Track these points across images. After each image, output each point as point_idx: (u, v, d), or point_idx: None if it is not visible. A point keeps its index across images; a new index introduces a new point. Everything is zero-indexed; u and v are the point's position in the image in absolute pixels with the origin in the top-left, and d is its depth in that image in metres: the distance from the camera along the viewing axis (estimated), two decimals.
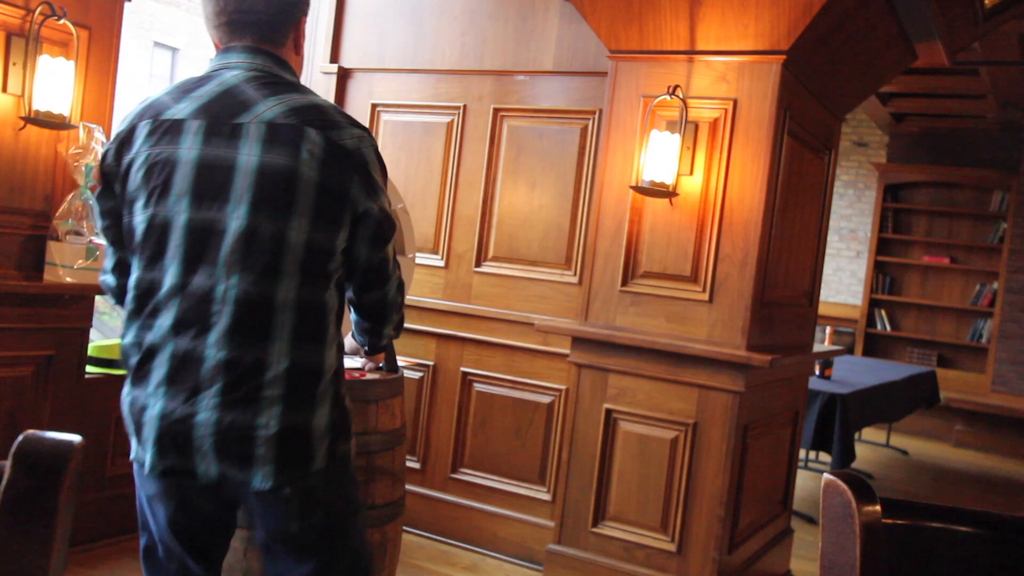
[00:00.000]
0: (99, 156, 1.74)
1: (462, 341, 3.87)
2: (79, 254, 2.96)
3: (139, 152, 1.66)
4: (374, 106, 4.12)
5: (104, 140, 3.02)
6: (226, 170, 1.61)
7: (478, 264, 3.86)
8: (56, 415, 3.05)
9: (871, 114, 8.68)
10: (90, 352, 3.24)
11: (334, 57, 4.23)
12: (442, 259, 3.94)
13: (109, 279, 1.83)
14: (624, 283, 3.32)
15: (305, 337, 1.65)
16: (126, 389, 1.72)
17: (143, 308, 1.66)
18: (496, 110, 3.85)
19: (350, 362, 2.90)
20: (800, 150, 3.44)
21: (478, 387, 3.85)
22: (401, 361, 3.05)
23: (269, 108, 1.64)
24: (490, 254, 3.85)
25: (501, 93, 3.85)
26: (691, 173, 3.22)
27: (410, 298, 3.62)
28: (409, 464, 3.92)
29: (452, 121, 3.94)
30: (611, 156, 3.37)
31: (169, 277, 1.63)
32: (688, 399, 3.20)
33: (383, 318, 1.92)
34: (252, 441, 1.61)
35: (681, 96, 3.21)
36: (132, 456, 1.75)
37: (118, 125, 1.75)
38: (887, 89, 7.55)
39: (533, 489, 3.73)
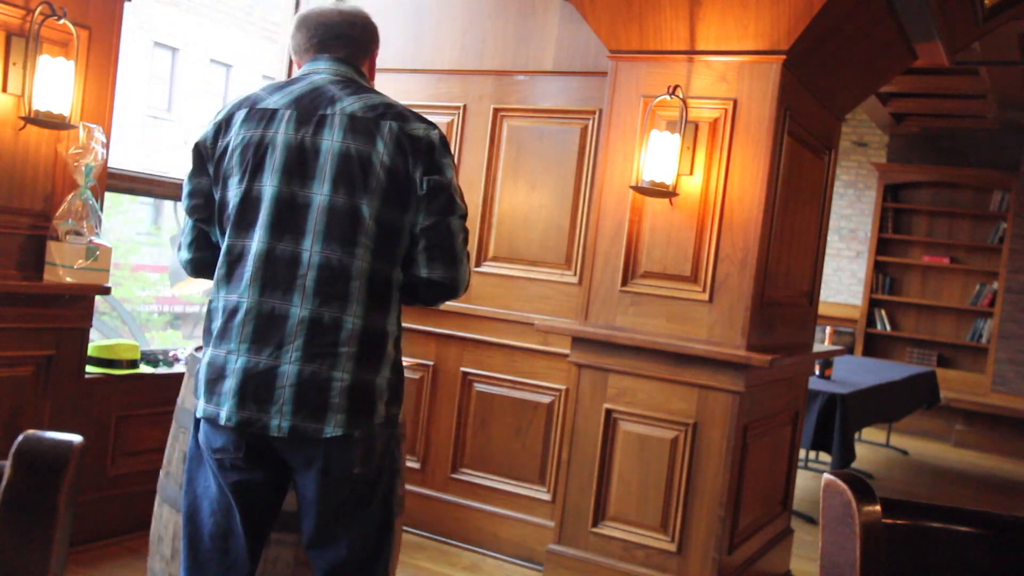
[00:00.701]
0: (200, 138, 1.98)
1: (462, 341, 3.87)
2: (79, 254, 2.96)
3: (235, 135, 1.89)
4: None
5: (104, 140, 3.02)
6: (313, 152, 1.85)
7: (478, 264, 3.85)
8: (56, 415, 3.05)
9: (871, 114, 8.68)
10: (90, 352, 3.24)
11: None
12: None
13: (185, 253, 2.02)
14: (624, 283, 3.32)
15: (374, 303, 1.85)
16: (206, 350, 1.89)
17: (232, 272, 1.86)
18: (496, 110, 3.85)
19: None
20: (800, 150, 3.44)
21: (478, 387, 3.85)
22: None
23: (350, 103, 1.88)
24: (490, 254, 3.85)
25: (501, 93, 3.85)
26: (691, 173, 3.22)
27: None
28: (409, 464, 3.92)
29: (452, 121, 3.94)
30: (611, 156, 3.37)
31: (256, 243, 1.83)
32: (688, 399, 3.20)
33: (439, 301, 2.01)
34: (329, 391, 1.80)
35: (681, 96, 3.21)
36: (200, 414, 1.87)
37: (216, 114, 1.96)
38: (887, 89, 7.55)
39: (533, 489, 3.73)
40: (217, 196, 1.92)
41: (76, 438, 1.37)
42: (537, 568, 3.60)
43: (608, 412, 3.32)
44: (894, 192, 9.19)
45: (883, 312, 9.23)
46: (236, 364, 1.81)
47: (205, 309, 1.91)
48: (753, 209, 3.14)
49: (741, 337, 3.12)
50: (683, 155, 3.21)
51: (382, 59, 4.43)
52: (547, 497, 3.69)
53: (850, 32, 3.36)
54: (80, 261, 2.97)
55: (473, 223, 3.87)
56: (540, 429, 3.72)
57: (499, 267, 3.82)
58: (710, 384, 3.15)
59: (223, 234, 1.91)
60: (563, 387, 3.66)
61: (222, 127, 1.92)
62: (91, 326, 3.19)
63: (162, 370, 3.52)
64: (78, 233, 2.97)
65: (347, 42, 2.01)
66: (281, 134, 1.86)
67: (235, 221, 1.87)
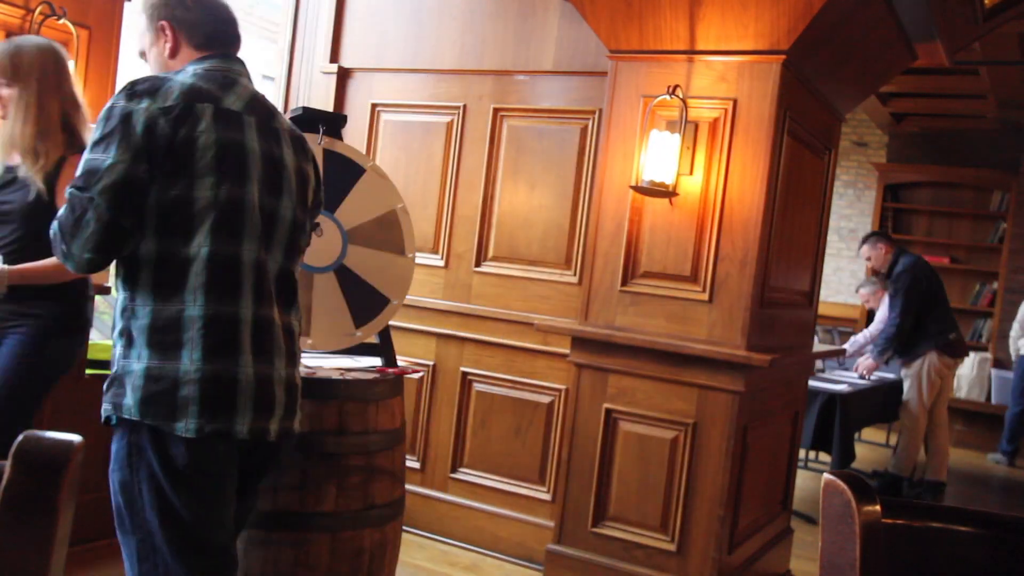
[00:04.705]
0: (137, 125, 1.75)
1: (462, 341, 3.87)
2: None
3: (205, 132, 1.77)
4: (374, 106, 4.12)
5: None
6: (280, 165, 1.93)
7: (478, 264, 3.86)
8: (56, 415, 3.05)
9: (871, 114, 8.67)
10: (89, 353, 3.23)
11: (334, 57, 4.23)
12: (442, 259, 3.94)
13: (88, 255, 1.74)
14: (624, 283, 3.32)
15: (299, 302, 2.04)
16: (194, 364, 1.73)
17: (219, 281, 1.78)
18: (496, 110, 3.85)
19: (351, 362, 2.90)
20: (800, 150, 3.44)
21: (478, 387, 3.85)
22: (401, 360, 3.05)
23: (280, 118, 1.98)
24: (490, 254, 3.85)
25: (501, 93, 3.85)
26: (691, 173, 3.22)
27: (410, 298, 3.62)
28: (409, 464, 3.92)
29: (452, 121, 3.94)
30: (611, 156, 3.37)
31: (247, 253, 1.84)
32: (688, 399, 3.20)
33: None
34: (296, 392, 1.96)
35: (681, 96, 3.21)
36: (192, 434, 1.73)
37: (154, 98, 1.76)
38: (887, 89, 7.55)
39: (533, 489, 3.73)
40: (174, 192, 1.75)
41: (76, 438, 1.37)
42: (537, 568, 3.60)
43: (608, 412, 3.32)
44: (894, 192, 9.18)
45: None
46: (249, 376, 1.79)
47: (153, 318, 1.73)
48: (753, 209, 3.14)
49: (741, 337, 3.12)
50: (683, 155, 3.21)
51: (382, 59, 4.45)
52: (547, 497, 3.69)
53: (850, 32, 3.36)
54: None
55: (473, 223, 3.88)
56: (540, 429, 3.72)
57: (499, 267, 3.82)
58: (710, 384, 3.15)
59: (179, 236, 1.75)
60: (563, 387, 3.66)
61: (180, 118, 1.75)
62: (91, 326, 3.18)
63: None
64: None
65: (235, 39, 2.01)
66: (254, 142, 1.88)
67: (216, 227, 1.76)
